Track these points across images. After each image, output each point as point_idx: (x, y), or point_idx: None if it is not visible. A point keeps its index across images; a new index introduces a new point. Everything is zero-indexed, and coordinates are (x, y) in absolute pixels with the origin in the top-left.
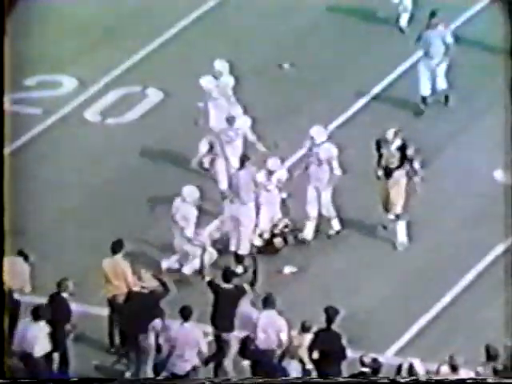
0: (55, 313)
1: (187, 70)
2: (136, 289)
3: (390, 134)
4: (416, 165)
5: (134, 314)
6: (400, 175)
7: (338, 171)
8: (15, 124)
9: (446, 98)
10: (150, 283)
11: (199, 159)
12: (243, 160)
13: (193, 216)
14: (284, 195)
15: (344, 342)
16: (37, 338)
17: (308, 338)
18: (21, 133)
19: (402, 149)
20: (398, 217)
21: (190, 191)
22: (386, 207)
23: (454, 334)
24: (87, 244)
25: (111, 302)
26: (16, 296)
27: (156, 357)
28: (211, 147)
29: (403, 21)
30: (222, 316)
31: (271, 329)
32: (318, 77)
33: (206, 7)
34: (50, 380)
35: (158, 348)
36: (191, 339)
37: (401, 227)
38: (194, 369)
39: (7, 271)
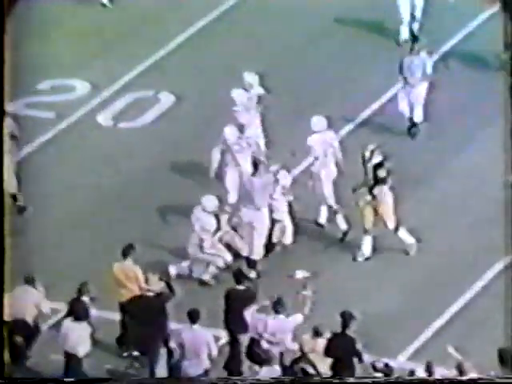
0: (75, 317)
1: (199, 74)
2: (143, 292)
3: (367, 151)
4: (385, 188)
5: (140, 318)
6: (379, 191)
7: (340, 155)
8: (28, 128)
9: (415, 130)
10: (157, 286)
11: (215, 170)
12: (257, 165)
13: (212, 227)
14: (290, 197)
15: (359, 346)
16: (81, 338)
17: (320, 342)
18: (34, 137)
19: (377, 167)
20: (396, 229)
21: (210, 201)
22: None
23: (466, 338)
24: (99, 248)
25: (123, 306)
26: (31, 321)
27: (168, 360)
28: (222, 156)
29: (405, 33)
30: (235, 318)
31: (280, 333)
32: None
33: (218, 12)
34: (50, 380)
35: (170, 352)
36: (200, 342)
37: (402, 234)
38: (206, 372)
39: (18, 303)
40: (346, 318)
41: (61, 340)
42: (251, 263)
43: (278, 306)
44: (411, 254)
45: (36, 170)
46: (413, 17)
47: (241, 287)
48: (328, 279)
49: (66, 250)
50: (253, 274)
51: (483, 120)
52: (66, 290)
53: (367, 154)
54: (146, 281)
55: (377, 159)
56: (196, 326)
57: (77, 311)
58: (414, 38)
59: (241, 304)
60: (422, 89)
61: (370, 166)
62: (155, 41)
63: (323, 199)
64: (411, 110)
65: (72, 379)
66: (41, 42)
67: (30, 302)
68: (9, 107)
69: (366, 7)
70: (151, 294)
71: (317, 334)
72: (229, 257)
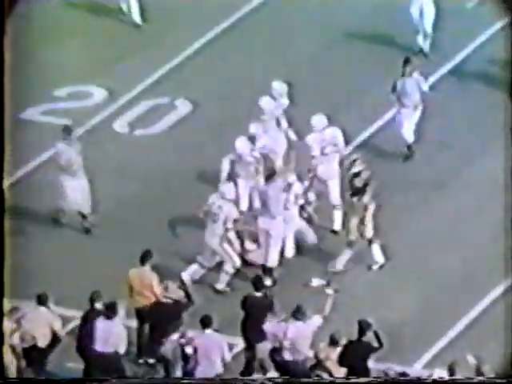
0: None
1: (216, 81)
2: (161, 299)
3: (348, 161)
4: (365, 198)
5: (157, 324)
6: (356, 201)
7: (343, 151)
8: (44, 135)
9: (409, 151)
10: (176, 294)
11: (224, 180)
12: (271, 174)
13: (235, 215)
14: (301, 201)
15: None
16: (120, 335)
17: (336, 351)
18: (50, 144)
19: (354, 177)
20: (370, 241)
21: (229, 188)
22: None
23: (482, 346)
24: (114, 255)
25: (139, 313)
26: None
27: (184, 367)
28: (232, 165)
29: (425, 46)
30: (252, 325)
31: (300, 340)
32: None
33: (233, 20)
34: (50, 380)
35: (184, 358)
36: (213, 346)
37: (375, 249)
38: (219, 376)
39: (30, 327)
40: (364, 326)
41: (98, 340)
42: (267, 271)
43: (297, 314)
44: (373, 269)
45: (52, 176)
46: (423, 31)
47: (258, 294)
48: (343, 287)
49: (81, 257)
50: (268, 282)
51: (483, 138)
52: (80, 297)
53: (348, 163)
54: (166, 288)
55: (356, 169)
56: (208, 331)
57: (91, 320)
58: (407, 60)
59: (259, 311)
60: (416, 112)
61: (348, 175)
62: (171, 47)
63: (329, 200)
64: (404, 131)
65: (72, 379)
66: (57, 49)
67: (42, 324)
68: (25, 114)
69: (379, 20)
70: (170, 301)
71: (333, 342)
72: (237, 261)
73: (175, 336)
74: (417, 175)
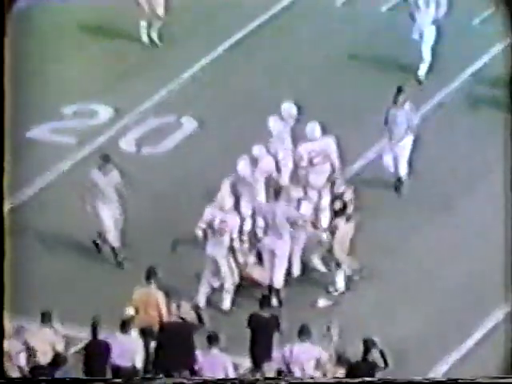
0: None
1: (222, 99)
2: (172, 319)
3: (330, 181)
4: (341, 220)
5: (168, 344)
6: (335, 223)
7: (336, 162)
8: (51, 153)
9: (399, 185)
10: (188, 315)
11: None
12: (278, 193)
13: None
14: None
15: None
16: (136, 348)
17: (343, 370)
18: (56, 162)
19: (334, 199)
20: (338, 264)
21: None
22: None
23: (488, 364)
24: (121, 275)
25: (145, 333)
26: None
27: None
28: (234, 188)
29: (422, 71)
30: (260, 345)
31: (306, 360)
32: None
33: (240, 36)
34: (50, 380)
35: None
36: (218, 366)
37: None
38: None
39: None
40: (368, 344)
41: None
42: (273, 291)
43: (302, 334)
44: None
45: (59, 194)
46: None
47: (265, 314)
48: (350, 306)
49: (86, 275)
50: (275, 302)
51: (483, 167)
52: (86, 315)
53: (329, 184)
54: (178, 307)
55: (339, 190)
56: (215, 351)
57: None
58: (399, 89)
59: (266, 331)
60: (407, 143)
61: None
62: (177, 66)
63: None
64: (396, 164)
65: (72, 379)
66: (63, 67)
67: (46, 344)
68: (31, 133)
69: (384, 44)
70: (181, 321)
71: (340, 361)
72: (236, 278)
73: (187, 355)
74: (423, 196)
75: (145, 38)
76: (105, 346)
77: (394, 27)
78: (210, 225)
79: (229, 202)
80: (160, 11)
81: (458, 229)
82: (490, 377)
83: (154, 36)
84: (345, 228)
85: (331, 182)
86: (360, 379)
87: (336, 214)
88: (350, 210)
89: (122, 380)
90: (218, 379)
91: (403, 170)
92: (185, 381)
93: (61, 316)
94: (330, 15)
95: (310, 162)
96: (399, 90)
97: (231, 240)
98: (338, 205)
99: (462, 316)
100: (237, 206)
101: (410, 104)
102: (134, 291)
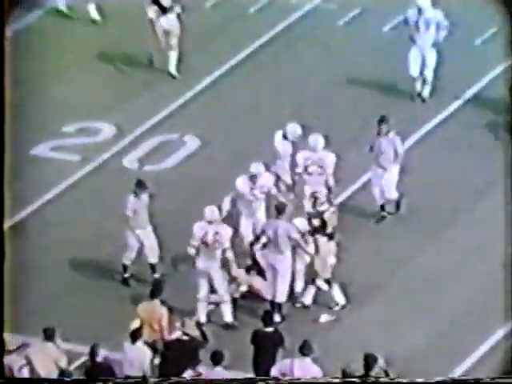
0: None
1: (224, 117)
2: (177, 335)
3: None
4: (319, 238)
5: (173, 360)
6: (322, 241)
7: (331, 179)
8: (53, 171)
9: (398, 205)
10: (192, 331)
11: (224, 217)
12: (280, 209)
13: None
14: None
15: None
16: (145, 358)
17: None
18: (59, 180)
19: (314, 216)
20: (328, 281)
21: (211, 211)
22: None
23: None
24: (126, 293)
25: (151, 347)
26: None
27: None
28: (234, 204)
29: (425, 92)
30: (262, 361)
31: (308, 376)
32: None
33: (242, 56)
34: (50, 380)
35: None
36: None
37: (336, 291)
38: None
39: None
40: (369, 361)
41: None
42: (275, 307)
43: (304, 349)
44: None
45: (61, 212)
46: (423, 78)
47: (269, 329)
48: (352, 321)
49: (89, 292)
50: (277, 318)
51: (486, 179)
52: (89, 332)
53: (312, 200)
54: (183, 324)
55: (319, 208)
56: (219, 369)
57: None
58: (382, 119)
59: (269, 346)
60: (393, 171)
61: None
62: (180, 84)
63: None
64: (382, 193)
65: (73, 379)
66: (66, 85)
67: (48, 360)
68: (35, 150)
69: (377, 68)
70: (186, 338)
71: (344, 376)
72: (233, 289)
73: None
74: (425, 214)
75: (171, 70)
76: (107, 368)
77: (395, 47)
78: (203, 240)
79: (217, 213)
80: (174, 42)
81: (459, 246)
82: (491, 377)
83: (172, 69)
84: (326, 246)
85: (314, 197)
86: (360, 379)
87: (315, 230)
88: (329, 229)
89: (122, 379)
90: (224, 380)
91: (394, 195)
92: (190, 380)
93: (64, 333)
94: (333, 34)
95: (306, 170)
96: (381, 120)
97: (223, 251)
98: (315, 222)
99: (463, 332)
100: (237, 223)
101: (393, 133)
102: (139, 306)
